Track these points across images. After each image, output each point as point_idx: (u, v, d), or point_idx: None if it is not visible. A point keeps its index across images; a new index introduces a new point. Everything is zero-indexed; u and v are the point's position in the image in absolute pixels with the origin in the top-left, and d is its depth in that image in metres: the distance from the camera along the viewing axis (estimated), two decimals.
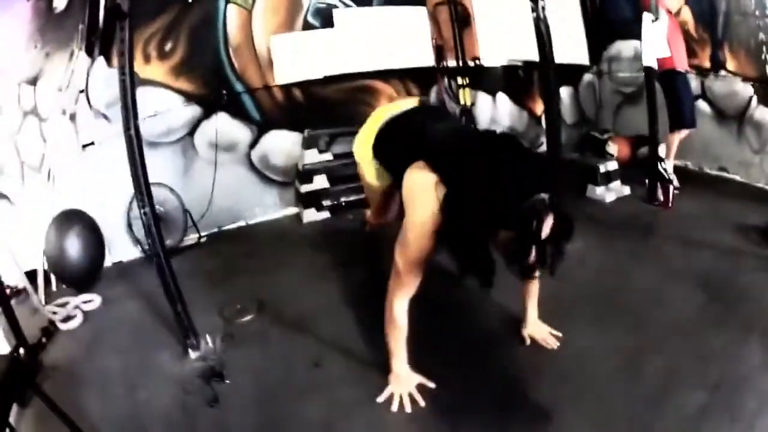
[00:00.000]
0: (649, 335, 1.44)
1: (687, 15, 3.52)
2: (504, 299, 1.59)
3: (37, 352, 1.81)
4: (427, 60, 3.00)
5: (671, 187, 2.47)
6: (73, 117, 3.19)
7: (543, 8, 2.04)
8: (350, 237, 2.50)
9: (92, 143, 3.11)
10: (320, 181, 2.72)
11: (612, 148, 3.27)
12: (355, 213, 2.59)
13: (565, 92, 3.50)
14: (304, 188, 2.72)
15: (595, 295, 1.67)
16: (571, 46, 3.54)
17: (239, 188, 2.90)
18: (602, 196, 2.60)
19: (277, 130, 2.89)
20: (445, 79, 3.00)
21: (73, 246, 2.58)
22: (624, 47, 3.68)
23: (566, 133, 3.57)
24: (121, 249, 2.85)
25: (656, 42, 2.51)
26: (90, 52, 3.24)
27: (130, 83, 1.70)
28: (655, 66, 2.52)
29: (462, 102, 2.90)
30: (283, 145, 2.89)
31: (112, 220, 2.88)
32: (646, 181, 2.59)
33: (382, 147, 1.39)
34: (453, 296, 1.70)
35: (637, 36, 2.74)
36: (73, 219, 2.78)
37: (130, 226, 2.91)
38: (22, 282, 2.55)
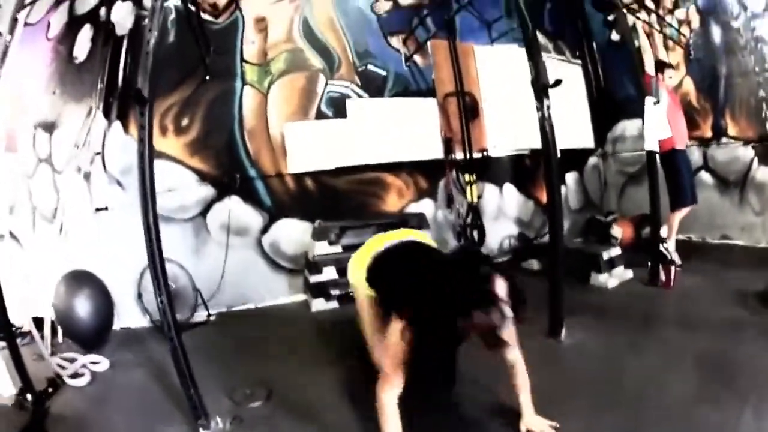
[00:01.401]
0: (646, 419, 1.48)
1: (689, 85, 3.61)
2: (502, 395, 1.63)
3: (43, 400, 1.87)
4: (436, 152, 3.07)
5: (673, 268, 2.52)
6: (87, 176, 3.28)
7: (548, 107, 2.07)
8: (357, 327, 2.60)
9: (106, 208, 3.21)
10: (329, 273, 2.78)
11: (616, 231, 3.35)
12: None
13: (570, 178, 3.59)
14: (314, 279, 2.78)
15: (593, 384, 1.71)
16: (577, 131, 3.61)
17: (249, 271, 2.97)
18: (605, 283, 2.65)
19: (288, 219, 2.96)
20: (453, 172, 3.08)
21: (83, 307, 2.63)
22: (628, 126, 3.76)
23: (572, 219, 3.70)
24: (129, 315, 2.91)
25: (658, 125, 2.57)
26: (107, 114, 3.31)
27: (149, 178, 1.75)
28: (656, 149, 2.57)
29: (469, 199, 2.99)
30: (293, 233, 2.97)
31: (122, 286, 2.92)
32: (648, 264, 2.63)
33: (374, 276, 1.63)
34: (447, 394, 1.77)
35: (641, 114, 2.75)
36: (84, 280, 2.85)
37: (140, 296, 3.00)
38: (28, 325, 2.58)
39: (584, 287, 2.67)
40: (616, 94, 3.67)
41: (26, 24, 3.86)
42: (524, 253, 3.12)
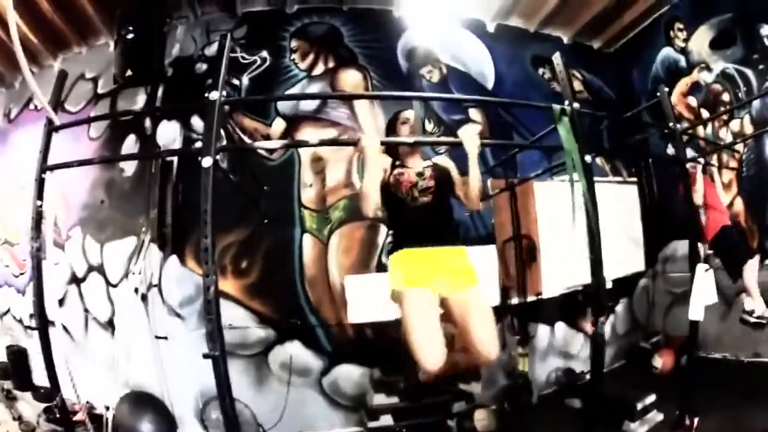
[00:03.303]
0: None
1: (739, 205, 3.58)
2: None
3: None
4: (494, 299, 3.08)
5: (696, 420, 2.56)
6: (144, 298, 3.36)
7: (602, 323, 1.99)
8: None
9: (165, 338, 3.30)
10: (386, 419, 2.89)
11: (657, 361, 3.46)
12: None
13: (620, 305, 3.61)
14: (371, 424, 2.91)
15: None
16: (629, 256, 3.59)
17: (309, 405, 3.10)
18: (635, 431, 2.72)
19: (348, 364, 3.06)
20: (508, 318, 3.12)
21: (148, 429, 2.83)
22: (679, 246, 3.73)
23: (617, 344, 3.73)
24: (189, 428, 3.10)
25: (707, 294, 2.54)
26: (162, 246, 3.33)
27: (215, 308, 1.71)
28: (701, 319, 2.54)
29: (521, 368, 3.06)
30: (352, 376, 3.08)
31: (181, 404, 3.10)
32: (677, 412, 2.64)
33: None
34: None
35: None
36: (147, 403, 3.03)
37: (203, 421, 3.17)
38: (82, 414, 2.69)
39: None
40: (670, 211, 3.62)
41: (65, 111, 3.80)
42: (568, 389, 3.21)
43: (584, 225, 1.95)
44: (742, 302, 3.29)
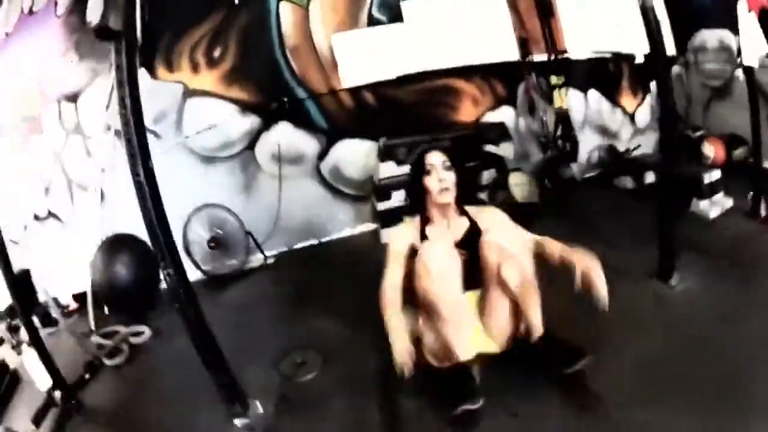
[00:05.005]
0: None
1: None
2: None
3: (75, 392, 1.66)
4: (512, 54, 2.67)
5: None
6: (118, 133, 2.97)
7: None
8: None
9: None
10: (399, 197, 2.37)
11: (708, 149, 2.94)
12: None
13: (654, 87, 3.15)
14: (381, 206, 2.40)
15: (691, 356, 1.27)
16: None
17: (309, 203, 2.62)
18: (706, 211, 2.29)
19: (349, 139, 2.59)
20: (533, 76, 2.67)
21: (122, 274, 2.32)
22: (708, 37, 3.33)
23: (657, 131, 3.29)
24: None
25: (755, 37, 2.08)
26: None
27: (134, 119, 1.23)
28: (756, 65, 2.09)
29: (557, 104, 2.56)
30: (356, 155, 2.60)
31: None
32: (750, 194, 2.19)
33: None
34: None
35: (721, 24, 2.53)
36: (122, 244, 2.52)
37: (187, 248, 2.63)
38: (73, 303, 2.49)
39: (684, 215, 2.25)
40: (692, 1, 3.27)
41: (32, 13, 3.67)
42: (616, 168, 2.70)
43: None
44: None
